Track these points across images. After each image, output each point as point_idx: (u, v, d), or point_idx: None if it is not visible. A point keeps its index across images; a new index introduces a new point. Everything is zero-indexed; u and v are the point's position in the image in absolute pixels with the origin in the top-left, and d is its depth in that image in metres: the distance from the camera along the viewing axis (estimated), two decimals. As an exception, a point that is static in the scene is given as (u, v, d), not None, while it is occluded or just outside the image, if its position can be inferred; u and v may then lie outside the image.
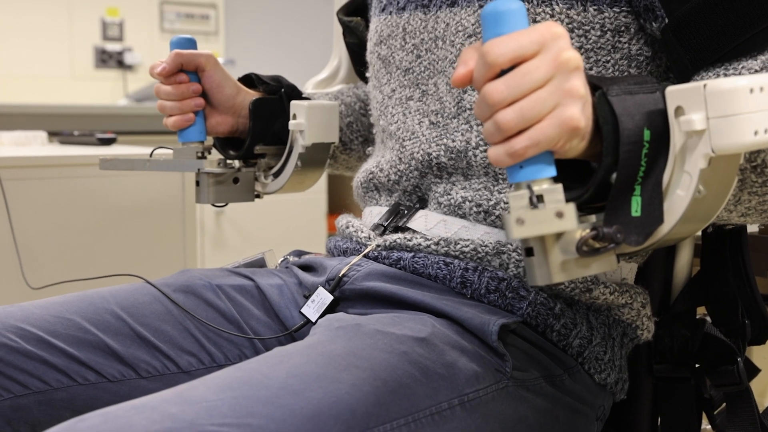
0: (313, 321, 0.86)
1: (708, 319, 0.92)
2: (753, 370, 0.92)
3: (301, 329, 0.87)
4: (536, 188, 0.57)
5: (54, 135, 2.20)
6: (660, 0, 0.76)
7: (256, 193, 1.05)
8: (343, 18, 1.09)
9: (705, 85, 0.57)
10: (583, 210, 0.62)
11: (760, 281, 0.93)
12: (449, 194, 0.87)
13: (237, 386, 0.62)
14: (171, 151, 1.02)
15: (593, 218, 0.63)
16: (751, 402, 0.89)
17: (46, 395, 0.80)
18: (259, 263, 1.01)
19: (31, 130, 2.12)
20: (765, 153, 0.69)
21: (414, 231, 0.89)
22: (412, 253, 0.86)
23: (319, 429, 0.60)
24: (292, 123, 0.98)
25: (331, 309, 0.86)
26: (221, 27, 3.98)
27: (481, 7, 0.84)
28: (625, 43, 0.81)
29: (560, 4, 0.80)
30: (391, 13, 0.95)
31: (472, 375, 0.73)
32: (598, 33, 0.80)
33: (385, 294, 0.83)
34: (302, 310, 0.87)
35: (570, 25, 0.80)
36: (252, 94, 1.02)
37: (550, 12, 0.80)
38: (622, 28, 0.81)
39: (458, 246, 0.83)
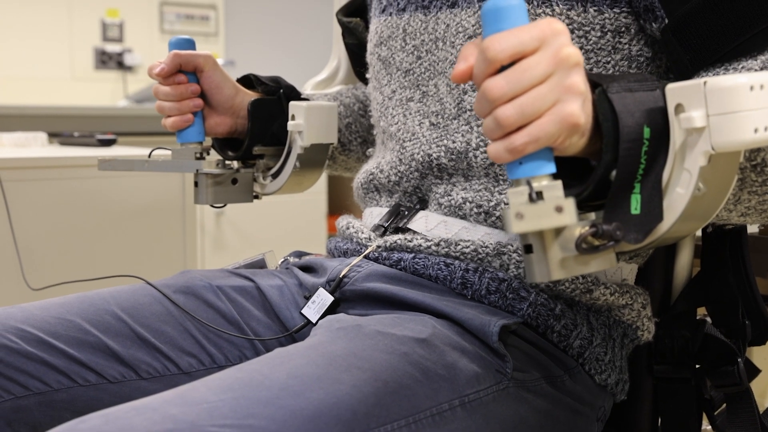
0: (314, 322, 0.86)
1: (708, 319, 0.92)
2: (753, 371, 0.92)
3: (302, 330, 0.87)
4: (536, 184, 0.57)
5: (54, 136, 2.21)
6: (660, 0, 0.76)
7: (254, 193, 1.05)
8: (342, 19, 1.09)
9: (705, 83, 0.57)
10: (582, 208, 0.62)
11: (760, 282, 0.93)
12: (450, 195, 0.87)
13: (238, 387, 0.62)
14: (170, 152, 1.02)
15: (593, 216, 0.63)
16: (751, 402, 0.89)
17: (46, 396, 0.80)
18: (260, 264, 1.01)
19: (31, 131, 2.13)
20: (765, 152, 0.69)
21: (414, 232, 0.88)
22: (413, 254, 0.85)
23: (319, 430, 0.60)
24: (290, 124, 0.97)
25: (331, 310, 0.86)
26: (221, 28, 3.98)
27: (481, 8, 0.84)
28: (625, 44, 0.81)
29: (560, 5, 0.80)
30: (391, 14, 0.95)
31: (472, 376, 0.73)
32: (599, 34, 0.80)
33: (385, 295, 0.83)
34: (303, 311, 0.87)
35: (570, 26, 0.80)
36: (251, 95, 1.02)
37: (550, 13, 0.80)
38: (623, 29, 0.80)
39: (459, 247, 0.83)
